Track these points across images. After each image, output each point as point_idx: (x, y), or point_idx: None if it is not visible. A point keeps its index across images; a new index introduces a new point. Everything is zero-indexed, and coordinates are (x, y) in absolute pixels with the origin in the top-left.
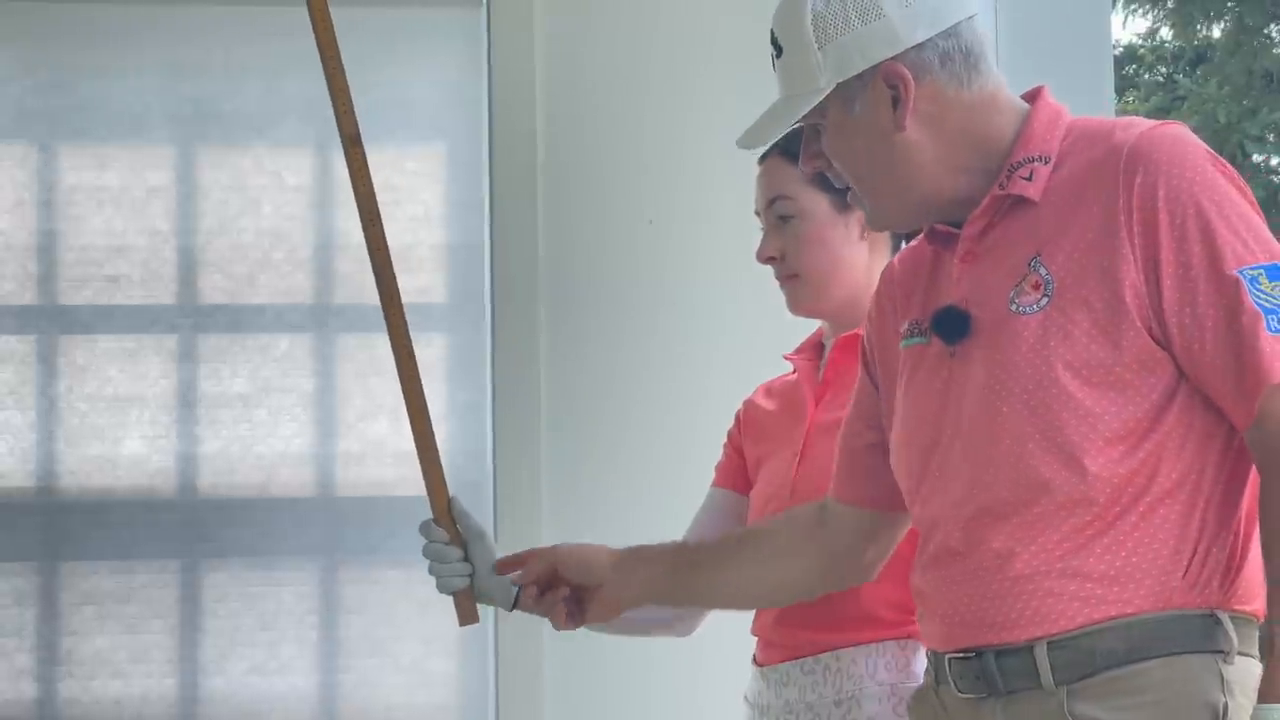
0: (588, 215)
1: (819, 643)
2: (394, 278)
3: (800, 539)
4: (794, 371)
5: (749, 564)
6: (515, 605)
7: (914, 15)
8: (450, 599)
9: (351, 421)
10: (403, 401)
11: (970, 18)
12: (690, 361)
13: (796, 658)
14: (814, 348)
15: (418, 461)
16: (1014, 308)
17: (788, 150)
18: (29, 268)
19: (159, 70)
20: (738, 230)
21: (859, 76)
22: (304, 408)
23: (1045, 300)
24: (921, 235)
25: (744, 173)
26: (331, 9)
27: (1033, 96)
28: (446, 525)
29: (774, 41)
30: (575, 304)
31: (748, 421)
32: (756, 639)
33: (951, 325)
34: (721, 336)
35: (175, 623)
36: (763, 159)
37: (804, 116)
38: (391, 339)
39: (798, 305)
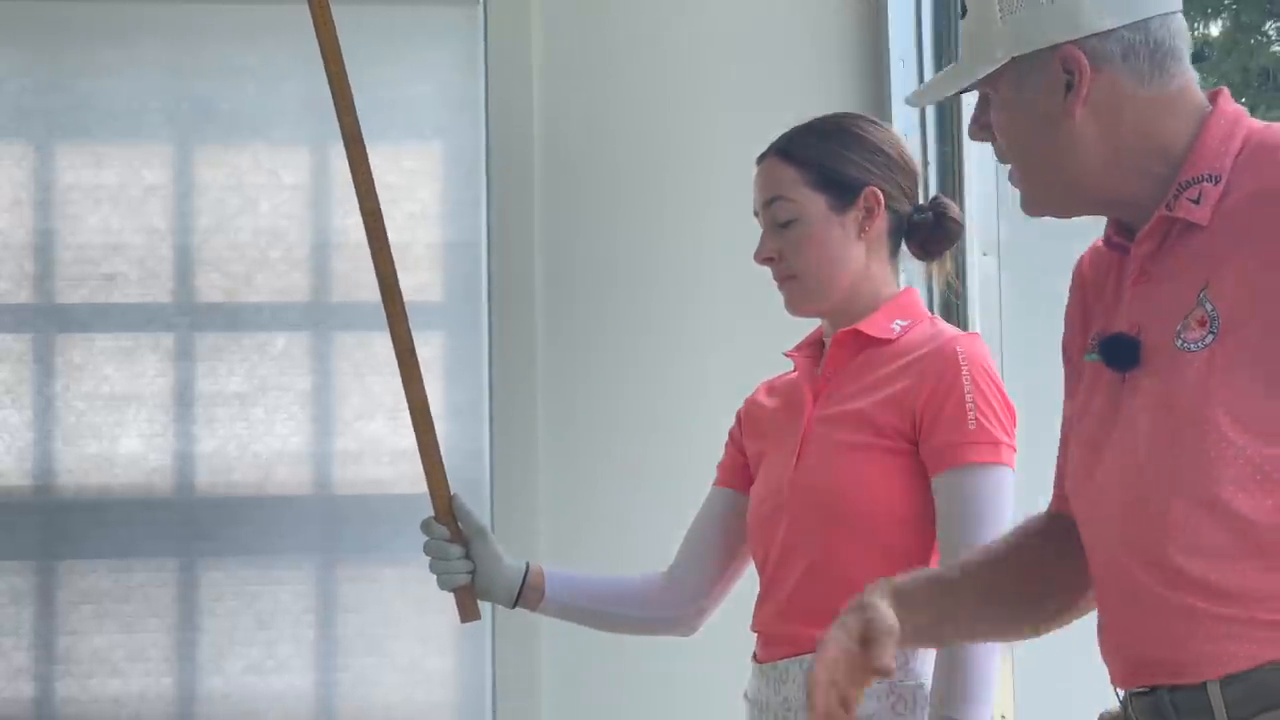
0: (585, 213)
1: (819, 639)
2: (395, 275)
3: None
4: (794, 369)
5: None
6: (517, 602)
7: (1104, 1)
8: (451, 596)
9: (349, 420)
10: (403, 399)
11: (1167, 15)
12: (688, 360)
13: (796, 654)
14: (814, 344)
15: (419, 459)
16: (1179, 343)
17: (784, 151)
18: (25, 266)
19: (156, 69)
20: (736, 229)
21: (1036, 54)
22: (301, 406)
23: (1210, 338)
24: (1097, 245)
25: (742, 171)
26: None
27: (1212, 99)
28: (448, 522)
29: (960, 1)
30: (572, 302)
31: (749, 419)
32: (756, 636)
33: (1120, 353)
34: (719, 335)
35: (172, 621)
36: (760, 160)
37: (976, 84)
38: (393, 337)
39: (796, 305)
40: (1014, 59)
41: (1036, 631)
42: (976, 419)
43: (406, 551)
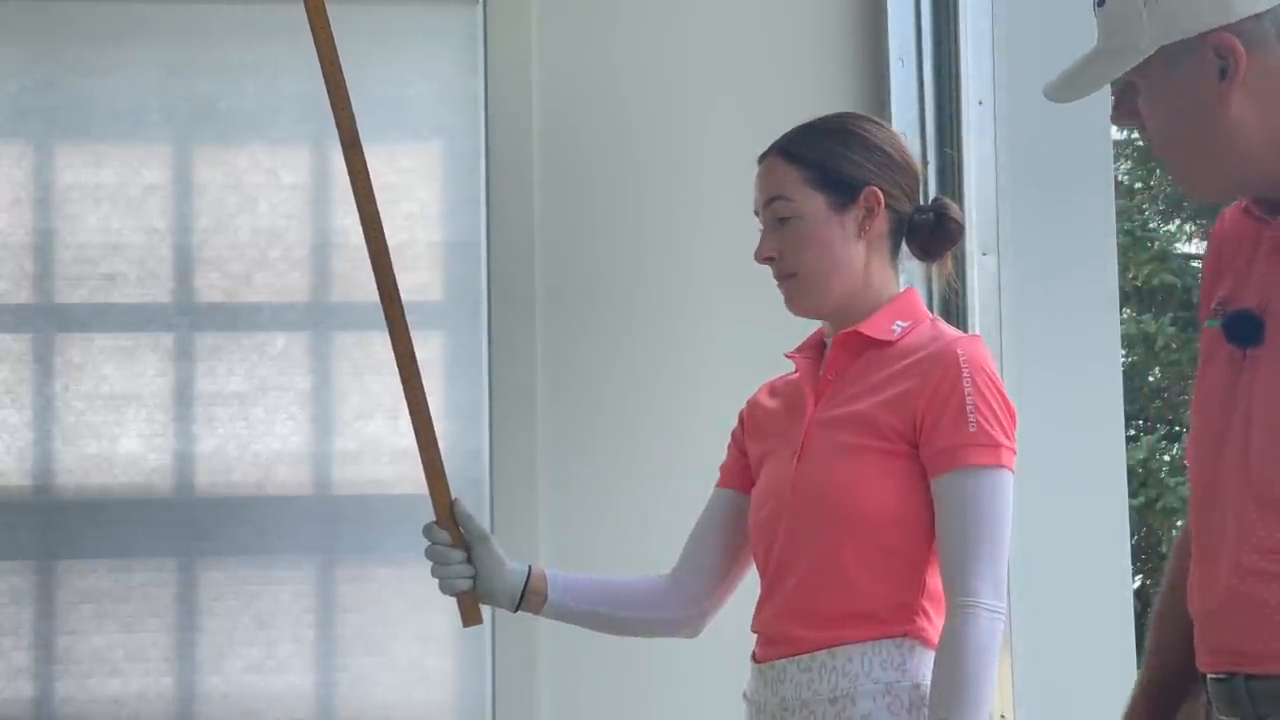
0: (584, 213)
1: (816, 640)
2: (394, 280)
3: None
4: (796, 370)
5: None
6: (519, 607)
7: None
8: (454, 600)
9: (348, 419)
10: (403, 399)
11: None
12: (687, 359)
13: (793, 655)
14: (815, 346)
15: (420, 464)
16: None
17: (785, 150)
18: (25, 266)
19: (155, 68)
20: (735, 228)
21: (1185, 41)
22: (300, 406)
23: None
24: (1241, 205)
25: (741, 170)
26: (328, 6)
27: None
28: (449, 527)
29: None
30: (572, 302)
31: (750, 420)
32: (756, 636)
33: (1243, 330)
34: (719, 334)
35: (172, 621)
36: (761, 159)
37: (1122, 76)
38: (393, 341)
39: (796, 304)
40: (1161, 47)
41: None
42: (977, 422)
43: (406, 551)
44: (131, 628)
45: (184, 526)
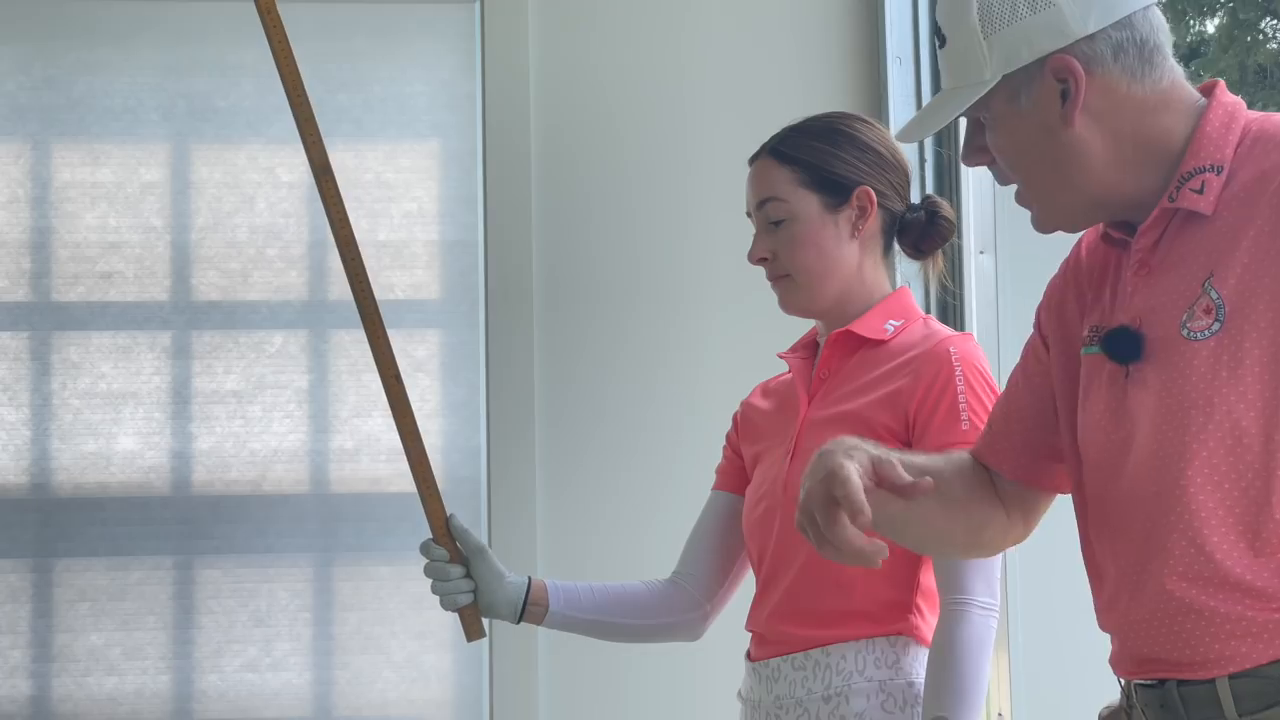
0: (582, 211)
1: (810, 638)
2: (375, 303)
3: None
4: (789, 370)
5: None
6: (521, 618)
7: (1085, 5)
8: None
9: (345, 418)
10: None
11: (1146, 8)
12: (684, 358)
13: (788, 653)
14: (808, 346)
15: (413, 482)
16: (1185, 332)
17: (777, 151)
18: (22, 264)
19: (153, 67)
20: (732, 226)
21: (1026, 69)
22: (298, 404)
23: (1217, 326)
24: (1099, 232)
25: (738, 168)
26: (326, 5)
27: (1207, 91)
28: (445, 543)
29: (937, 31)
30: (569, 300)
31: (744, 422)
32: (751, 635)
33: (1123, 346)
34: (716, 333)
35: (169, 619)
36: (753, 160)
37: (967, 110)
38: (378, 364)
39: (789, 305)
40: (1004, 77)
41: (966, 555)
42: (969, 419)
43: (403, 549)
44: (128, 626)
45: (181, 524)
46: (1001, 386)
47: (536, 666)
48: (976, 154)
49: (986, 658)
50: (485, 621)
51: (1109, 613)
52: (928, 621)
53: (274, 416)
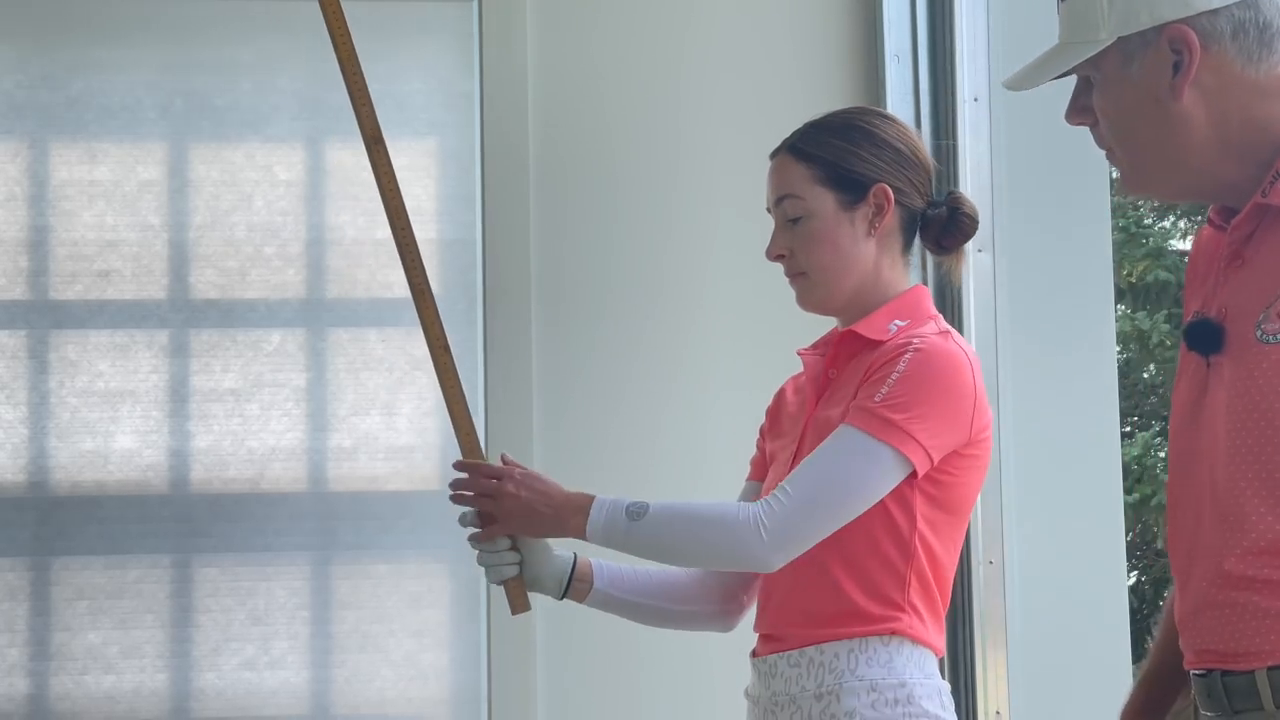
0: (580, 210)
1: (805, 636)
2: (425, 274)
3: None
4: (804, 368)
5: None
6: (565, 594)
7: None
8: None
9: (343, 416)
10: (398, 395)
11: None
12: (684, 356)
13: (784, 650)
14: (828, 343)
15: (460, 453)
16: (1259, 333)
17: (795, 148)
18: (20, 262)
19: (151, 65)
20: (730, 224)
21: (1143, 34)
22: (296, 403)
23: None
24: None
25: (736, 165)
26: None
27: None
28: None
29: None
30: (567, 299)
31: (772, 415)
32: (756, 634)
33: (1203, 337)
34: (715, 331)
35: (167, 618)
36: (773, 156)
37: (1078, 66)
38: (426, 336)
39: (806, 302)
40: (1120, 39)
41: None
42: (886, 395)
43: (401, 548)
44: (126, 624)
45: (179, 523)
46: (1001, 382)
47: (535, 665)
48: (1080, 114)
49: (703, 533)
50: (480, 608)
51: (1177, 603)
52: (922, 622)
53: (272, 415)
